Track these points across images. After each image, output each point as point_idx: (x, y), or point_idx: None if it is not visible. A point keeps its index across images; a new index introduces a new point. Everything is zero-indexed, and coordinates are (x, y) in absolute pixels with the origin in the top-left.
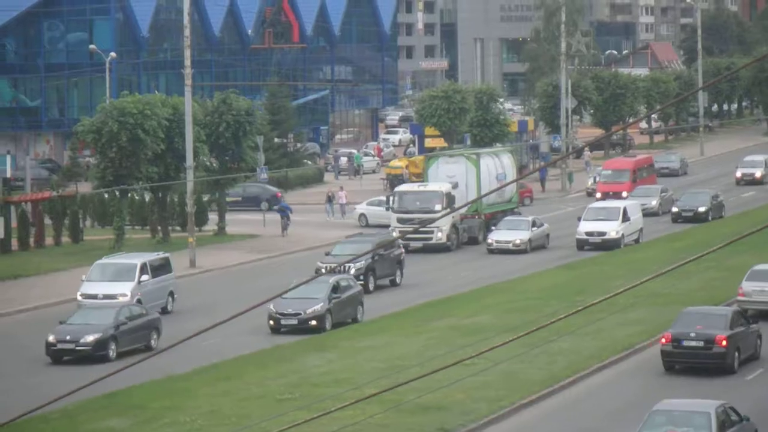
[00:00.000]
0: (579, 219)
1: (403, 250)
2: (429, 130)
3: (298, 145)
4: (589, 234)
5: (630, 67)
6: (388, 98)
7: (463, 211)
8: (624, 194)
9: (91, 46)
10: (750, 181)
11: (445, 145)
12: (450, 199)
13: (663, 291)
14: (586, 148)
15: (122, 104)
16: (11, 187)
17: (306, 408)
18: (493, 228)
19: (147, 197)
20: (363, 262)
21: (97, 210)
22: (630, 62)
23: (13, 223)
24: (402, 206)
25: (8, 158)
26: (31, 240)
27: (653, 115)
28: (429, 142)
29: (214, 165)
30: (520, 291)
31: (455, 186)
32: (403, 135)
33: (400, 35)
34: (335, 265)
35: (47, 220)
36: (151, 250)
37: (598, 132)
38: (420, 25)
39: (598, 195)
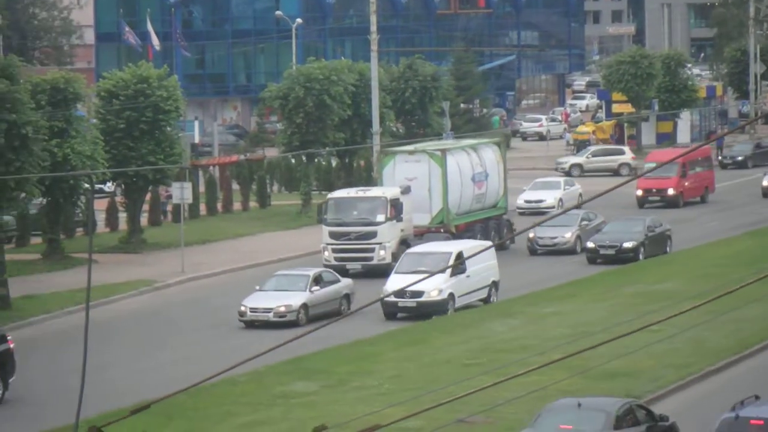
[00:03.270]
0: (391, 271)
1: (11, 345)
2: (616, 96)
3: (484, 110)
4: (399, 295)
5: None
6: (575, 63)
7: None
8: (670, 191)
9: (278, 13)
10: None
11: (632, 110)
12: (397, 207)
13: None
14: None
15: (308, 70)
16: (199, 152)
17: (492, 372)
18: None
19: (333, 162)
20: None
21: (284, 175)
22: None
23: (201, 188)
24: (336, 217)
25: (196, 124)
26: (219, 205)
27: None
28: (616, 108)
29: (401, 130)
30: (706, 258)
31: (406, 191)
32: (590, 100)
33: (587, 0)
34: None
35: (235, 185)
36: None
37: None
38: None
39: (639, 192)
